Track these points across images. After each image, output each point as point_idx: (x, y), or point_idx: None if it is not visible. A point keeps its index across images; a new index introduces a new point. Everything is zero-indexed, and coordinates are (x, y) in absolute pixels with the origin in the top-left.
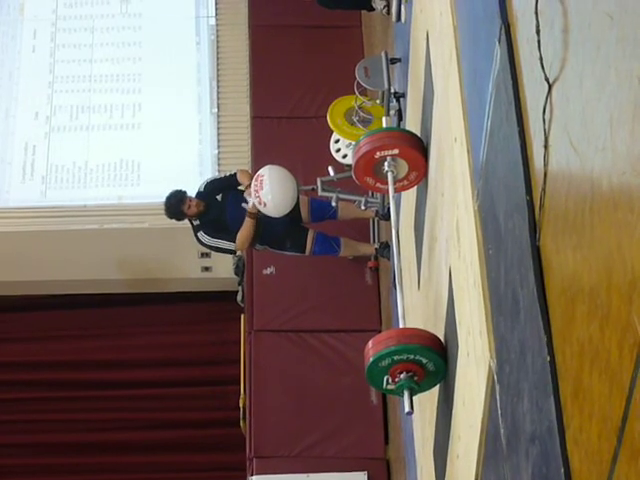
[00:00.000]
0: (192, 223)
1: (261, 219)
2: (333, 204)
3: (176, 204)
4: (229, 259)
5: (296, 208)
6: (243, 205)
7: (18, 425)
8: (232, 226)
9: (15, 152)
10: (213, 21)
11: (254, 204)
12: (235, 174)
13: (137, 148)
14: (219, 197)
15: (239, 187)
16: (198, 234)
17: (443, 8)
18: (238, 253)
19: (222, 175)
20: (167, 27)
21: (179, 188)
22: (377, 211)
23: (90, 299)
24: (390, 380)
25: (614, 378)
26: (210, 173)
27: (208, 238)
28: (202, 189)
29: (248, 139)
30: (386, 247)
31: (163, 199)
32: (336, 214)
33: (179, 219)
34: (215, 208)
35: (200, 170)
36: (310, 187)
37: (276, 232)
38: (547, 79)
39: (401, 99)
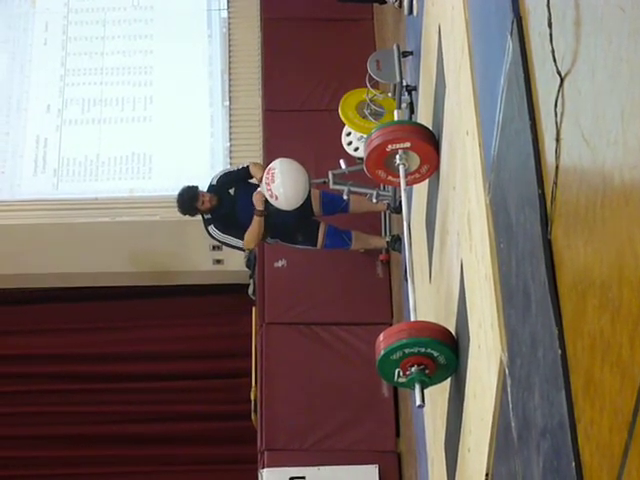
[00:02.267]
0: (203, 216)
1: (272, 212)
2: (345, 197)
3: (189, 200)
4: (240, 252)
5: (307, 201)
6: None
7: (27, 417)
8: (243, 221)
9: (27, 145)
10: (225, 14)
11: (261, 200)
12: (247, 167)
13: (149, 141)
14: (232, 191)
15: (251, 180)
16: (209, 227)
17: (455, 1)
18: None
19: (234, 168)
20: (179, 20)
21: (190, 184)
22: (389, 204)
23: (101, 292)
24: (401, 373)
25: (625, 371)
26: (222, 166)
27: (218, 233)
28: (214, 182)
29: (260, 132)
30: (397, 240)
31: (175, 192)
32: (348, 207)
33: (192, 215)
34: (227, 202)
35: (211, 163)
36: (321, 180)
37: (287, 225)
38: (559, 72)
39: (413, 92)
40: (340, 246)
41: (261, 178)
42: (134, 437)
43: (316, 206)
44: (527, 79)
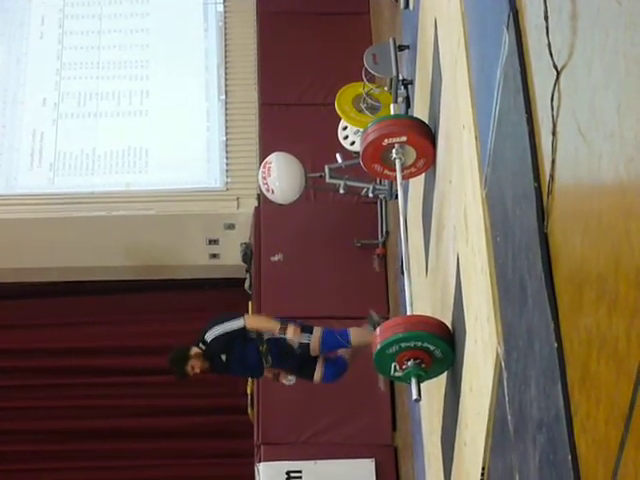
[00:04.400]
0: None
1: (272, 366)
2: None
3: (179, 367)
4: (237, 246)
5: (307, 352)
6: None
7: (25, 412)
8: (234, 376)
9: (23, 139)
10: (221, 7)
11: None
12: (242, 325)
13: (145, 135)
14: (223, 357)
15: (249, 335)
16: None
17: None
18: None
19: (228, 328)
20: (175, 13)
21: (181, 350)
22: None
23: (97, 286)
24: (398, 367)
25: (621, 365)
26: (218, 161)
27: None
28: (207, 340)
29: (256, 126)
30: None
31: (171, 186)
32: (348, 343)
33: (184, 378)
34: (219, 365)
35: (208, 157)
36: (318, 174)
37: (286, 365)
38: (555, 66)
39: (409, 86)
40: (339, 347)
41: (264, 328)
42: (130, 431)
43: (314, 350)
44: (523, 73)
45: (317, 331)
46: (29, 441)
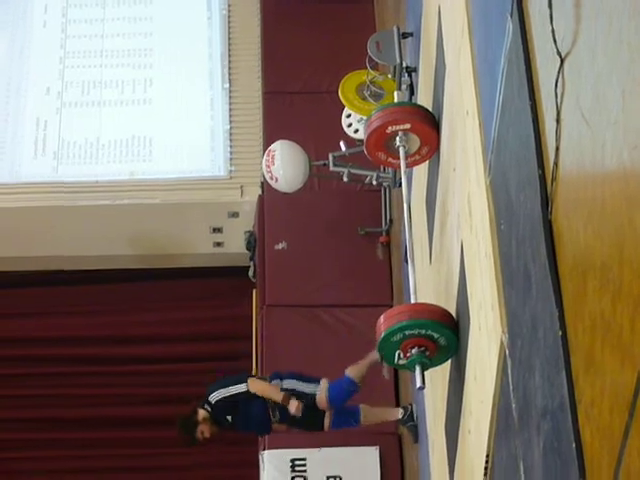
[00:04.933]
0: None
1: (279, 421)
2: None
3: (187, 435)
4: (241, 234)
5: (314, 407)
6: None
7: (25, 400)
8: (241, 433)
9: (27, 127)
10: None
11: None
12: (247, 391)
13: (149, 124)
14: (229, 418)
15: (251, 395)
16: None
17: None
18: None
19: (231, 390)
20: (178, 2)
21: (188, 418)
22: (403, 418)
23: (101, 275)
24: (402, 355)
25: (626, 352)
26: (222, 149)
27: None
28: (212, 401)
29: (260, 114)
30: (410, 416)
31: (175, 175)
32: (356, 387)
33: (194, 444)
34: (225, 426)
35: (212, 145)
36: (322, 162)
37: (294, 421)
38: (559, 53)
39: (413, 74)
40: (348, 426)
41: (266, 396)
42: (133, 419)
43: (322, 405)
44: (527, 60)
45: (323, 383)
46: (32, 429)
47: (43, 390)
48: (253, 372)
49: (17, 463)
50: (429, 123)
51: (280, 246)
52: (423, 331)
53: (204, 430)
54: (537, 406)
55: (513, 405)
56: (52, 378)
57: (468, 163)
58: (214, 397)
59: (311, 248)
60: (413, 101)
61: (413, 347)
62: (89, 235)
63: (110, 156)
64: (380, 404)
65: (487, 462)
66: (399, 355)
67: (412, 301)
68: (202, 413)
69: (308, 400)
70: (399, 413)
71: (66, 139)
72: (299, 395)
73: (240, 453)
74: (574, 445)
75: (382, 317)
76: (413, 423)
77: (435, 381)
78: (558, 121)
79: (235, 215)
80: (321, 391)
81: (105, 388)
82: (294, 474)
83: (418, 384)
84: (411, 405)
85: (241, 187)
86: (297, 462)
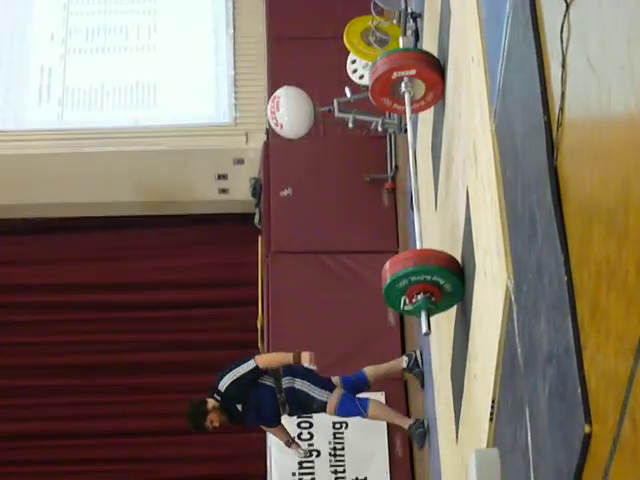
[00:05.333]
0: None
1: (290, 411)
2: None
3: (197, 422)
4: (246, 181)
5: (322, 404)
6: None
7: (33, 347)
8: (250, 426)
9: (31, 75)
10: None
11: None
12: (256, 367)
13: (153, 70)
14: (239, 407)
15: (261, 379)
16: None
17: None
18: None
19: (241, 371)
20: None
21: (198, 401)
22: (408, 366)
23: (106, 222)
24: (407, 301)
25: (631, 297)
26: (226, 95)
27: None
28: (222, 389)
29: (264, 60)
30: (421, 425)
31: (180, 121)
32: (366, 413)
33: (203, 432)
34: (235, 415)
35: (216, 91)
36: (327, 108)
37: (302, 398)
38: None
39: (418, 19)
40: (354, 415)
41: (277, 363)
42: (138, 366)
43: (330, 411)
44: (533, 5)
45: (336, 392)
46: (34, 376)
47: (48, 337)
48: (258, 325)
49: (24, 410)
50: (434, 69)
51: (285, 193)
52: (429, 277)
53: (214, 419)
54: (543, 351)
55: (519, 350)
56: (56, 325)
57: (473, 109)
58: (224, 383)
59: (316, 194)
60: (418, 47)
61: (419, 293)
62: (94, 182)
63: (115, 103)
64: (386, 354)
65: (493, 407)
66: (405, 301)
67: (418, 247)
68: (212, 402)
69: (318, 404)
70: (404, 362)
71: (70, 86)
72: (310, 399)
73: None
74: (579, 390)
75: (388, 263)
76: (419, 369)
77: (441, 327)
78: (564, 67)
79: (240, 162)
80: (333, 398)
81: (109, 334)
82: (299, 421)
83: (424, 330)
84: (415, 352)
85: (246, 134)
86: None
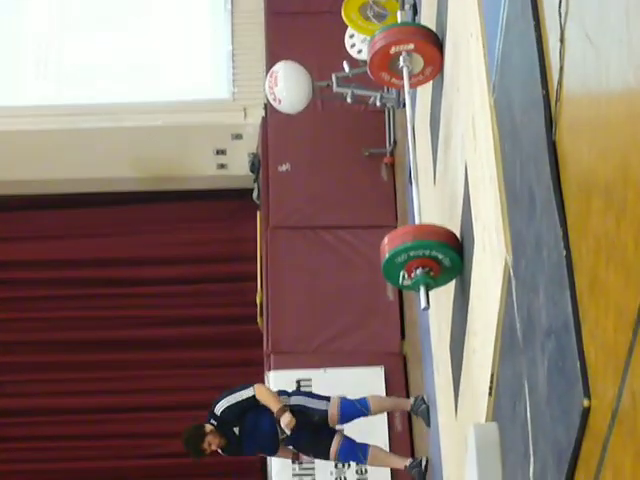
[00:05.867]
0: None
1: (287, 439)
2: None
3: (194, 446)
4: (245, 156)
5: (325, 421)
6: None
7: (32, 323)
8: (248, 454)
9: (28, 50)
10: None
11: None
12: (253, 396)
13: (151, 46)
14: (236, 430)
15: (257, 404)
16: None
17: None
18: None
19: (237, 398)
20: None
21: (196, 429)
22: (412, 407)
23: (105, 197)
24: (406, 276)
25: (630, 272)
26: (224, 70)
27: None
28: (217, 413)
29: (262, 35)
30: (417, 467)
31: (177, 97)
32: (368, 411)
33: (202, 456)
34: (232, 440)
35: (214, 67)
36: (325, 83)
37: (300, 444)
38: None
39: None
40: (354, 461)
41: (267, 404)
42: (139, 341)
43: (332, 421)
44: None
45: (334, 398)
46: (35, 352)
47: (45, 313)
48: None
49: (24, 386)
50: (433, 43)
51: (284, 168)
52: (427, 252)
53: (211, 442)
54: (541, 326)
55: (517, 325)
56: (52, 301)
57: (472, 84)
58: (220, 407)
59: (315, 169)
60: (417, 21)
61: (417, 268)
62: (92, 158)
63: (113, 78)
64: (385, 329)
65: (492, 381)
66: (403, 276)
67: (416, 222)
68: (209, 427)
69: (320, 415)
70: (408, 405)
71: (68, 61)
72: (310, 411)
73: (246, 374)
74: (578, 364)
75: (386, 238)
76: (425, 405)
77: (439, 302)
78: (562, 41)
79: (238, 137)
80: (333, 406)
81: (108, 310)
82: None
83: (422, 304)
84: (420, 396)
85: (244, 109)
86: (303, 383)
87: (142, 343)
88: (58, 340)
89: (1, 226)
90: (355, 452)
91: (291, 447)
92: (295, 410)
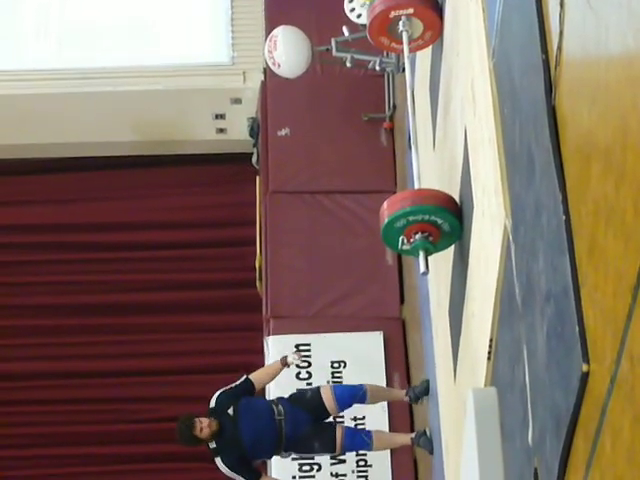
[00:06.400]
0: (208, 445)
1: (287, 421)
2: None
3: (187, 430)
4: (244, 121)
5: (321, 404)
6: None
7: (29, 287)
8: (248, 444)
9: (29, 13)
10: None
11: (293, 360)
12: (245, 380)
13: (151, 9)
14: (230, 411)
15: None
16: (216, 459)
17: None
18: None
19: (232, 385)
20: None
21: (186, 414)
22: (409, 396)
23: (104, 161)
24: (405, 241)
25: (629, 236)
26: (224, 34)
27: (226, 469)
28: (213, 405)
29: None
30: (423, 435)
31: (178, 60)
32: (365, 398)
33: (196, 445)
34: (228, 425)
35: (214, 31)
36: (324, 47)
37: (301, 435)
38: None
39: None
40: (360, 448)
41: (270, 373)
42: (138, 305)
43: (330, 406)
44: None
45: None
46: (34, 316)
47: (44, 277)
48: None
49: (22, 349)
50: (432, 8)
51: (283, 132)
52: (427, 217)
53: (203, 422)
54: (541, 290)
55: (516, 290)
56: (51, 265)
57: (471, 48)
58: (214, 397)
59: (314, 134)
60: None
61: (417, 233)
62: (92, 122)
63: (112, 42)
64: (384, 294)
65: (490, 346)
66: (403, 241)
67: (416, 187)
68: (203, 419)
69: (313, 395)
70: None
71: (69, 25)
72: (301, 393)
73: (245, 339)
74: (577, 329)
75: (385, 203)
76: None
77: (439, 266)
78: (562, 5)
79: (238, 101)
80: (325, 392)
81: (108, 274)
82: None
83: (422, 269)
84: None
85: (243, 73)
86: (302, 347)
87: (141, 307)
88: (55, 304)
89: None
90: (360, 437)
91: (293, 454)
92: (290, 397)
